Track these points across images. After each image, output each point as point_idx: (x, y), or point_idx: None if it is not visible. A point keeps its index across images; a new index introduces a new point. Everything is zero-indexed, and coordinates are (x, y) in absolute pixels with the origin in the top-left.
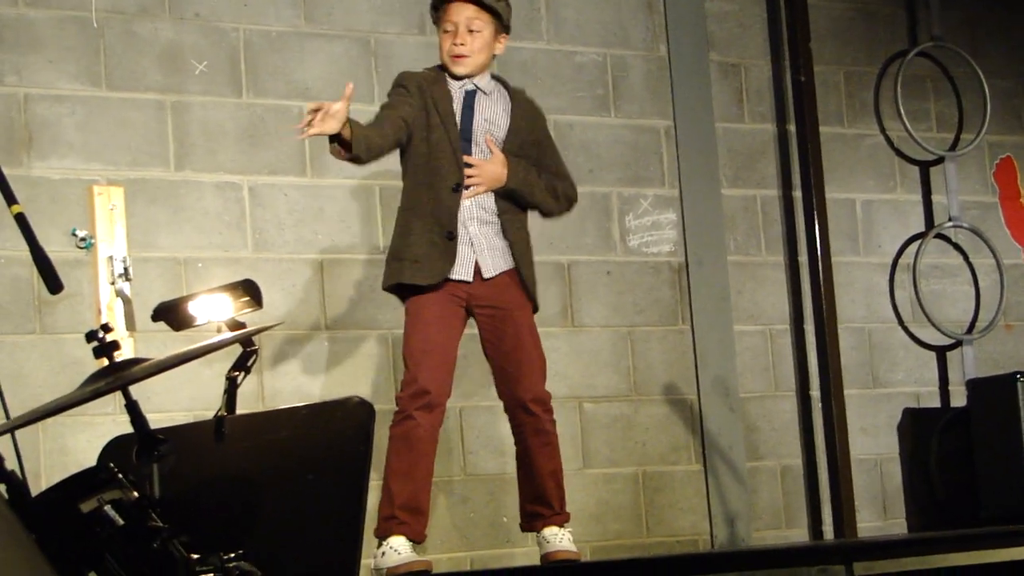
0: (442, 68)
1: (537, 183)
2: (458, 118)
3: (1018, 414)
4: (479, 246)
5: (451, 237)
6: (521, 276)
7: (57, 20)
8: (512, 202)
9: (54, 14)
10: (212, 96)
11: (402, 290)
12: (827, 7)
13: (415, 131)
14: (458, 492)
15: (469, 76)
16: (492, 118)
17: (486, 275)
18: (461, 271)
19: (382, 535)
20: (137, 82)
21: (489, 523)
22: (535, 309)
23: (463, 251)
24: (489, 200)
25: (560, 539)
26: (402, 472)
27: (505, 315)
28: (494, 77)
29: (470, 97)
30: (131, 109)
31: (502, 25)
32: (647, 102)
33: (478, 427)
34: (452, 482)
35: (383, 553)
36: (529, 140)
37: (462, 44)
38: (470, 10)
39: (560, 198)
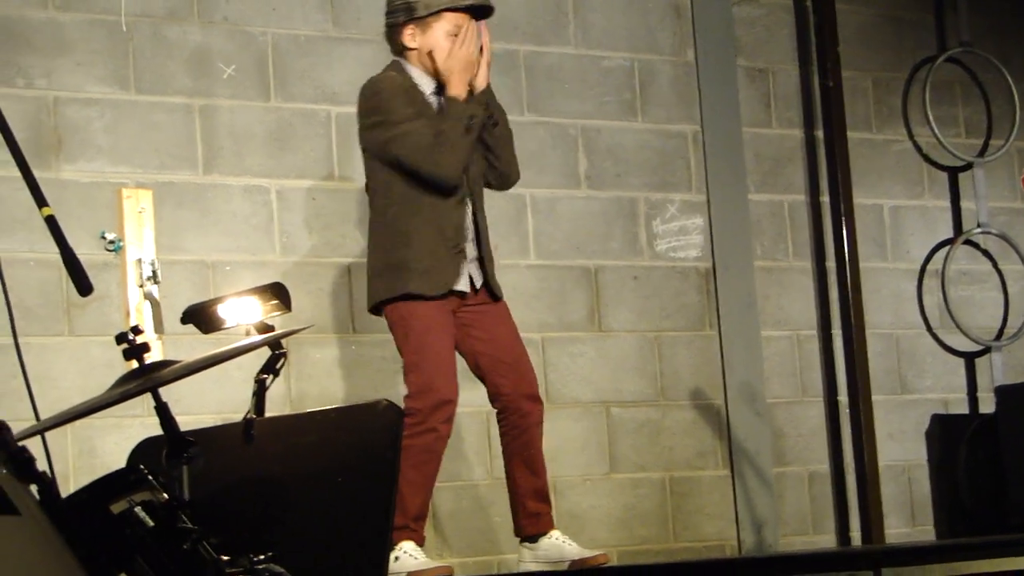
0: (398, 68)
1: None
2: None
3: None
4: (471, 258)
5: (459, 250)
6: (490, 287)
7: (86, 23)
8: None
9: (83, 17)
10: (240, 100)
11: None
12: (855, 12)
13: None
14: (484, 497)
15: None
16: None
17: (478, 285)
18: (462, 282)
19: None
20: (166, 85)
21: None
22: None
23: (465, 264)
24: (473, 219)
25: (574, 544)
26: (419, 483)
27: (496, 311)
28: None
29: (440, 105)
30: (160, 112)
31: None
32: (674, 107)
33: None
34: (478, 487)
35: (396, 558)
36: None
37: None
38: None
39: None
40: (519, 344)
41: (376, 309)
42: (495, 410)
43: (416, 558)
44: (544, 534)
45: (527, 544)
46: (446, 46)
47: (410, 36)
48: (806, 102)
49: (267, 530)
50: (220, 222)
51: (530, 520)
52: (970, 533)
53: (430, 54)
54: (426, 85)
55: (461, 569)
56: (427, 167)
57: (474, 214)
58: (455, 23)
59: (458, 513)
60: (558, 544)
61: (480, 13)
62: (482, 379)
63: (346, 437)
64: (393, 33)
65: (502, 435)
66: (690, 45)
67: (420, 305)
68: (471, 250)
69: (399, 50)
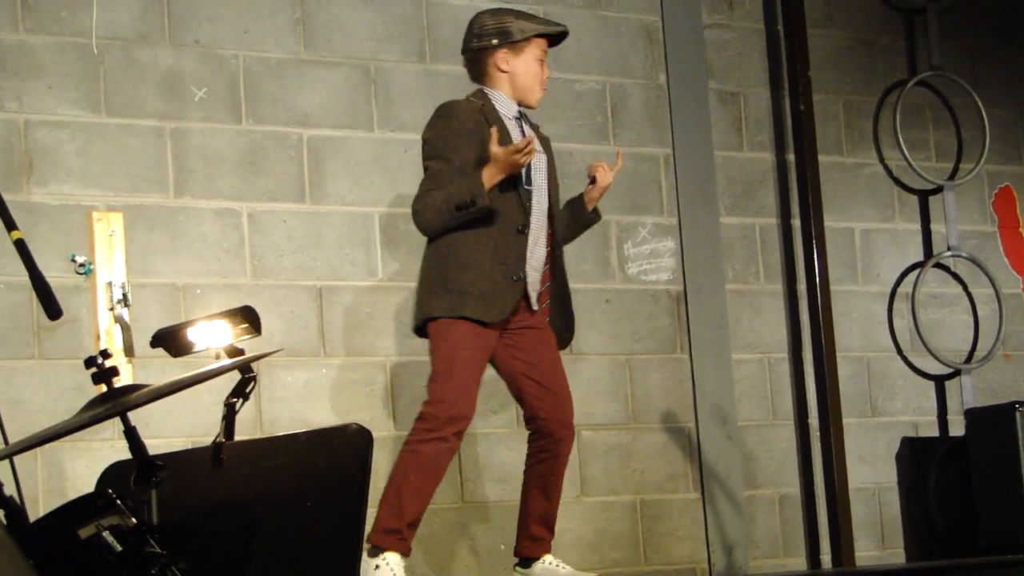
0: (482, 96)
1: None
2: None
3: (1016, 444)
4: (530, 285)
5: (518, 279)
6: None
7: (57, 46)
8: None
9: (54, 40)
10: (211, 123)
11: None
12: (826, 36)
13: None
14: (456, 519)
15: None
16: (538, 148)
17: (535, 307)
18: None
19: (380, 547)
20: (137, 108)
21: (487, 551)
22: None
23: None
24: (543, 253)
25: (567, 567)
26: (420, 490)
27: (544, 336)
28: None
29: (521, 130)
30: (131, 135)
31: None
32: (646, 130)
33: (477, 454)
34: (450, 509)
35: (377, 567)
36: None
37: (547, 78)
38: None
39: None
40: (561, 370)
41: (422, 327)
42: (528, 431)
43: (396, 575)
44: (538, 559)
45: (520, 569)
46: (536, 70)
47: (503, 59)
48: (777, 125)
49: (236, 554)
50: (191, 245)
51: (529, 543)
52: (940, 556)
53: (517, 77)
54: (510, 109)
55: None
56: (417, 205)
57: (547, 247)
58: (543, 48)
59: (430, 536)
60: (551, 568)
61: (556, 41)
62: (519, 400)
63: (316, 461)
64: (483, 57)
65: (528, 455)
66: (662, 68)
67: (468, 325)
68: (535, 281)
69: (482, 74)
